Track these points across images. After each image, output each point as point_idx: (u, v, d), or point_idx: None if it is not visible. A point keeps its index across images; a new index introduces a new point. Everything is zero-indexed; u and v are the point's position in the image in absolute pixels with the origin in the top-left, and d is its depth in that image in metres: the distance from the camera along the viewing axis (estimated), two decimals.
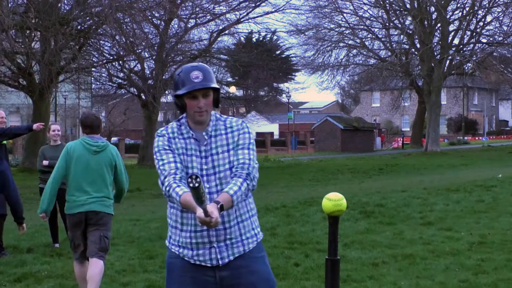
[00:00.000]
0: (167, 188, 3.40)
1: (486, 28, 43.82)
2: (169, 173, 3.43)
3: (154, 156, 3.54)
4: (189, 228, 3.52)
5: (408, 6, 42.70)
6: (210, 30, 33.32)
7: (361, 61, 47.16)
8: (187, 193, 3.29)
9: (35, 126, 9.10)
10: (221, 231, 3.48)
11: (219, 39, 34.61)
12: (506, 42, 42.65)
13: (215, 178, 3.49)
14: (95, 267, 6.07)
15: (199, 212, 3.20)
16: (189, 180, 3.03)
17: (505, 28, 42.85)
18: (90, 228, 6.21)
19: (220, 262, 3.50)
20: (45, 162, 9.23)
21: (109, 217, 6.30)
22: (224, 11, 32.68)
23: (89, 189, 6.17)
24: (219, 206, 3.26)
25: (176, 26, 32.56)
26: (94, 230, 6.19)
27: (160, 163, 3.49)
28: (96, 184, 6.19)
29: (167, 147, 3.51)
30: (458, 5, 43.62)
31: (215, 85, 3.47)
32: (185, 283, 3.54)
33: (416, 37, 42.54)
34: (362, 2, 43.69)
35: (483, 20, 43.26)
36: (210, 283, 3.53)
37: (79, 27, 26.00)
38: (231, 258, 3.52)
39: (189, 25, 32.50)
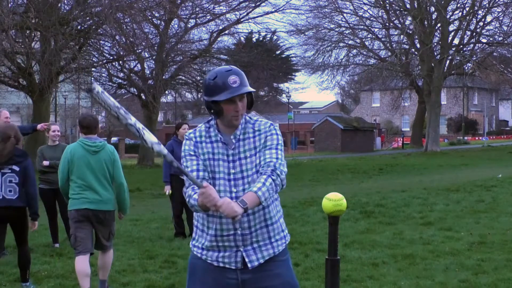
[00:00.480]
0: (188, 199, 3.41)
1: (486, 28, 43.84)
2: (190, 184, 3.43)
3: (182, 161, 3.56)
4: (214, 232, 3.48)
5: (408, 6, 42.70)
6: (210, 30, 33.36)
7: (361, 61, 47.16)
8: None
9: (39, 126, 9.11)
10: (247, 235, 3.46)
11: (219, 39, 34.65)
12: (506, 42, 42.62)
13: (243, 182, 3.45)
14: (107, 256, 6.68)
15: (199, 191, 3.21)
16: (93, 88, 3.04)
17: (505, 28, 42.86)
18: (98, 226, 6.54)
19: (249, 265, 3.47)
20: (46, 163, 9.22)
21: (113, 213, 6.65)
22: (224, 11, 32.72)
23: (93, 187, 6.44)
24: (239, 201, 3.23)
25: (176, 26, 32.61)
26: (103, 227, 6.56)
27: (185, 170, 3.49)
28: (99, 182, 6.46)
29: (192, 153, 3.50)
30: (458, 5, 43.61)
31: (251, 89, 3.46)
32: (207, 284, 3.52)
33: (416, 37, 42.54)
34: (362, 2, 43.70)
35: (483, 20, 43.27)
36: (232, 286, 3.51)
37: (79, 27, 25.99)
38: (261, 261, 3.48)
39: (189, 25, 32.51)
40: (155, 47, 30.78)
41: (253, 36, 51.16)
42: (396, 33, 45.07)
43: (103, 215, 6.47)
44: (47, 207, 9.49)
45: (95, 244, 6.62)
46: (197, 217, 3.58)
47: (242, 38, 43.78)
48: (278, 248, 3.53)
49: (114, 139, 58.18)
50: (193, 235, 3.64)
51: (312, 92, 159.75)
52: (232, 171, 3.46)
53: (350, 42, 45.22)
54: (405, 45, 45.36)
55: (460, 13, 43.60)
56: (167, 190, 10.03)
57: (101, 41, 28.73)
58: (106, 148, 6.51)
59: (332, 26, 43.78)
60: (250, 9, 33.76)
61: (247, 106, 3.51)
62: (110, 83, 33.31)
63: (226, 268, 3.49)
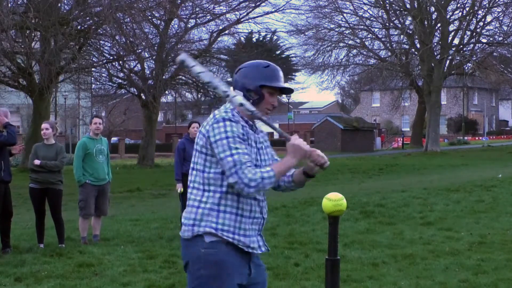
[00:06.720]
0: (258, 182, 3.24)
1: (486, 28, 43.80)
2: (246, 167, 3.23)
3: (224, 141, 3.26)
4: (248, 214, 3.39)
5: (408, 6, 42.68)
6: (210, 30, 33.31)
7: (361, 61, 47.11)
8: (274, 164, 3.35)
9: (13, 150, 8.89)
10: (264, 220, 3.51)
11: (219, 39, 34.59)
12: (506, 42, 42.59)
13: None
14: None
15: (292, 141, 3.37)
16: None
17: (505, 28, 42.82)
18: None
19: (263, 249, 3.47)
20: (37, 162, 8.93)
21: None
22: (224, 11, 32.67)
23: None
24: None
25: (176, 26, 32.56)
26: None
27: (234, 151, 3.23)
28: None
29: (242, 135, 3.32)
30: (458, 5, 43.59)
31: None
32: (244, 274, 3.41)
33: (416, 37, 42.50)
34: (362, 2, 43.67)
35: (483, 20, 43.24)
36: (247, 277, 3.44)
37: (79, 27, 25.96)
38: (263, 249, 3.49)
39: (189, 25, 32.47)
40: (155, 47, 30.75)
41: (253, 36, 51.18)
42: (396, 33, 45.04)
43: None
44: (35, 206, 9.20)
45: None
46: (218, 199, 3.32)
47: (242, 38, 43.74)
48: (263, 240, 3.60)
49: (114, 139, 58.16)
50: (213, 219, 3.33)
51: (312, 92, 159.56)
52: (258, 157, 3.47)
53: (350, 42, 45.18)
54: (405, 45, 45.33)
55: (460, 13, 43.58)
56: (179, 188, 9.97)
57: (101, 41, 28.71)
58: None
59: (332, 26, 43.77)
60: (250, 9, 33.74)
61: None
62: (110, 83, 33.30)
63: (251, 254, 3.42)
